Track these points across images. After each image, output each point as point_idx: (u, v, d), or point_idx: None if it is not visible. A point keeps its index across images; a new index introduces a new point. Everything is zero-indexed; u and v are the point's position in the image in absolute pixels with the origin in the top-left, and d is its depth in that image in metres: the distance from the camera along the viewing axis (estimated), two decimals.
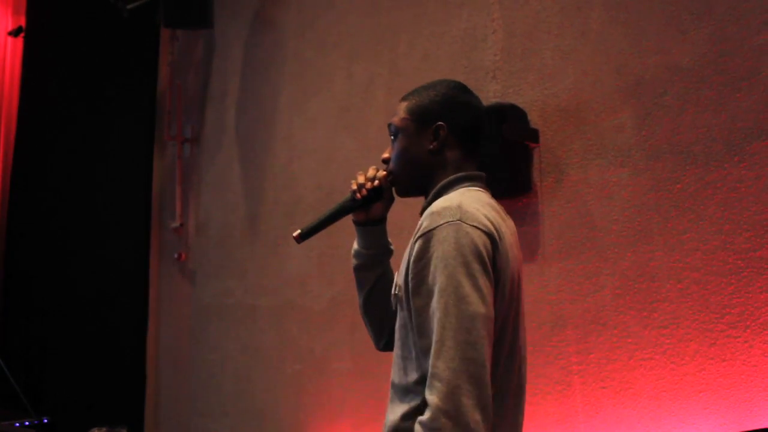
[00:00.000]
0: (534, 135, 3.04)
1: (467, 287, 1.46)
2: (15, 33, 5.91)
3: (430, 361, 1.45)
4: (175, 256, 5.21)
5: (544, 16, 3.10)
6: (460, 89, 1.75)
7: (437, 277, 1.48)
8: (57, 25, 5.55)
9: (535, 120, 3.07)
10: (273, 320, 4.39)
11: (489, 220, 1.55)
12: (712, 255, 2.53)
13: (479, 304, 1.46)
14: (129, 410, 5.22)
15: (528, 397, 2.93)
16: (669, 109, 2.68)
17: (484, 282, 1.48)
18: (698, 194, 2.58)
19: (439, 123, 1.68)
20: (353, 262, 1.91)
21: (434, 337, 1.46)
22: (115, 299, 5.35)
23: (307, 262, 4.12)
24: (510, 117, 3.00)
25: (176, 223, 5.21)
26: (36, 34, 5.63)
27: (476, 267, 1.48)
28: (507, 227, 1.64)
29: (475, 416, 1.40)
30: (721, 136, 2.54)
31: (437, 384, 1.42)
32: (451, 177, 1.68)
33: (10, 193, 5.73)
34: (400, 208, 1.90)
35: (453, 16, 3.48)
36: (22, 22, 5.86)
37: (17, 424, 4.72)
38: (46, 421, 4.77)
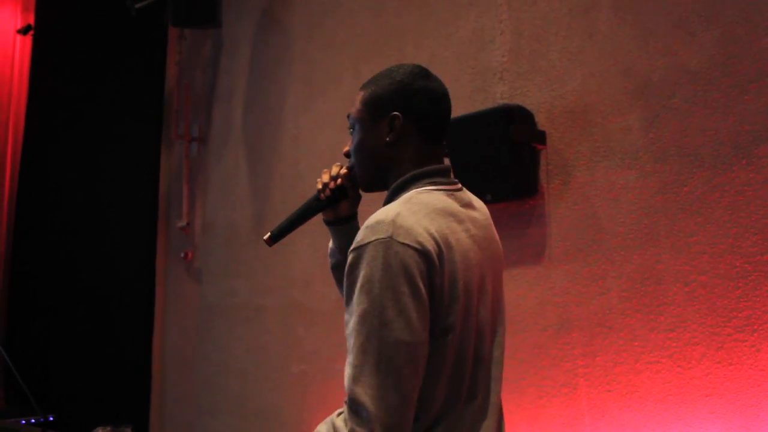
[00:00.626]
0: (541, 137, 3.03)
1: (392, 312, 1.36)
2: (24, 31, 5.93)
3: (348, 385, 1.37)
4: (182, 255, 5.22)
5: (552, 18, 3.09)
6: (419, 75, 1.61)
7: (362, 299, 1.38)
8: (66, 23, 5.56)
9: (542, 122, 3.06)
10: (278, 320, 4.39)
11: (429, 233, 1.43)
12: (719, 258, 2.51)
13: (403, 331, 1.36)
14: (134, 409, 5.24)
15: (533, 400, 2.93)
16: (677, 112, 2.67)
17: (412, 306, 1.38)
18: (706, 197, 2.57)
19: (394, 113, 1.57)
20: (330, 261, 1.87)
21: (353, 360, 1.38)
22: (121, 298, 5.37)
23: (313, 263, 4.11)
24: (517, 118, 2.99)
25: (183, 222, 5.23)
26: (45, 33, 5.65)
27: (404, 290, 1.37)
28: (465, 229, 1.54)
29: None
30: (729, 139, 2.53)
31: (354, 409, 1.36)
32: (407, 176, 1.57)
33: (18, 190, 5.74)
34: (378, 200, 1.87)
35: (460, 17, 3.47)
36: (31, 20, 5.88)
37: (23, 422, 4.73)
38: (51, 418, 4.79)
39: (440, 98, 1.62)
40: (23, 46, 6.03)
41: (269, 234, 1.76)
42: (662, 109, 2.71)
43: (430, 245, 1.42)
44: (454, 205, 1.55)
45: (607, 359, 2.76)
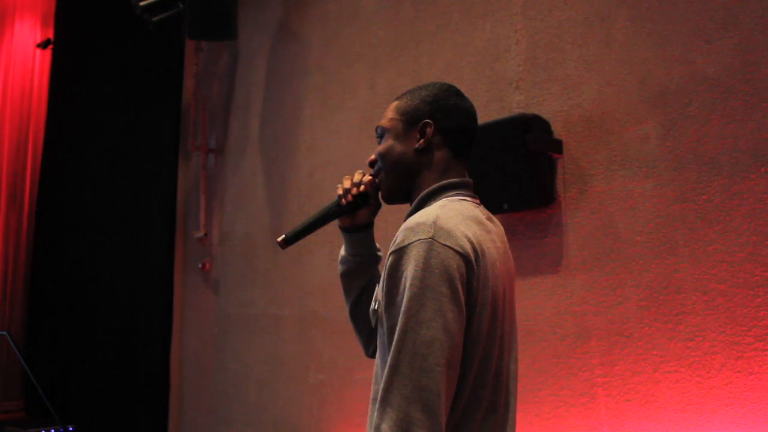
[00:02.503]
0: (558, 146, 3.03)
1: (430, 311, 1.38)
2: (43, 45, 6.00)
3: (383, 385, 1.38)
4: (199, 265, 5.25)
5: (568, 27, 3.09)
6: (453, 92, 1.68)
7: (402, 299, 1.41)
8: (84, 37, 5.63)
9: (558, 131, 3.06)
10: (296, 330, 4.40)
11: (467, 238, 1.46)
12: (738, 267, 2.49)
13: (439, 330, 1.37)
14: (153, 418, 5.25)
15: (552, 409, 2.92)
16: (694, 120, 2.66)
17: (449, 307, 1.39)
18: (724, 205, 2.55)
19: (426, 120, 1.62)
20: (339, 268, 1.87)
21: (389, 360, 1.38)
22: (139, 308, 5.40)
23: (331, 273, 4.12)
24: (534, 128, 2.99)
25: (200, 233, 5.25)
26: (64, 47, 5.72)
27: (443, 290, 1.39)
28: (492, 240, 1.56)
29: None
30: (747, 147, 2.51)
31: (389, 411, 1.35)
32: (435, 186, 1.61)
33: (37, 201, 5.80)
34: (396, 211, 1.88)
35: (476, 27, 3.48)
36: (51, 34, 5.95)
37: (43, 431, 4.76)
38: (72, 429, 4.81)
39: (471, 116, 1.69)
40: (42, 60, 6.11)
41: (283, 236, 1.76)
42: (680, 117, 2.70)
43: (469, 249, 1.45)
44: (480, 215, 1.58)
45: (626, 369, 2.75)
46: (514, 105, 3.24)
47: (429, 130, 1.62)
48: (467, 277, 1.43)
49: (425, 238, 1.42)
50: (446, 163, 1.63)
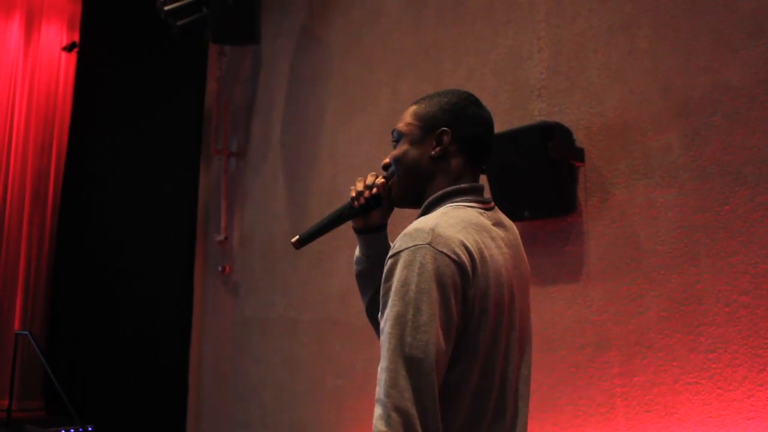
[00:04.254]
0: (579, 154, 3.02)
1: (425, 316, 1.39)
2: (69, 48, 6.06)
3: (383, 389, 1.38)
4: (219, 268, 5.27)
5: (591, 35, 3.08)
6: (472, 101, 1.67)
7: (396, 302, 1.41)
8: (109, 41, 5.68)
9: (580, 139, 3.04)
10: (314, 335, 4.40)
11: (465, 245, 1.46)
12: (761, 278, 2.47)
13: (434, 334, 1.38)
14: (171, 420, 5.28)
15: (570, 419, 2.90)
16: (718, 129, 2.64)
17: (440, 314, 1.40)
18: (748, 216, 2.53)
19: (444, 128, 1.62)
20: (354, 268, 1.89)
21: (387, 364, 1.39)
22: (159, 311, 5.43)
23: (350, 278, 4.11)
24: (555, 135, 2.98)
25: (221, 236, 5.28)
26: (89, 50, 5.77)
27: (436, 296, 1.40)
28: (498, 246, 1.56)
29: None
30: None
31: (393, 415, 1.35)
32: (441, 192, 1.61)
33: (60, 204, 5.85)
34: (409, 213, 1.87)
35: (499, 34, 3.47)
36: (76, 37, 6.01)
37: (62, 431, 4.80)
38: (90, 429, 4.85)
39: (488, 126, 1.68)
40: (68, 63, 6.17)
41: (297, 237, 1.77)
42: (703, 127, 2.68)
43: (465, 257, 1.45)
44: (485, 222, 1.57)
45: (646, 379, 2.73)
46: (536, 113, 3.23)
47: (446, 138, 1.62)
48: (462, 285, 1.44)
49: (421, 244, 1.44)
50: (460, 171, 1.64)
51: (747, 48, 2.59)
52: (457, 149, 1.63)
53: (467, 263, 1.45)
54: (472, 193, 1.62)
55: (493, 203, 1.66)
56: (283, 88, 4.96)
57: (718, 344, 2.55)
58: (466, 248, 1.46)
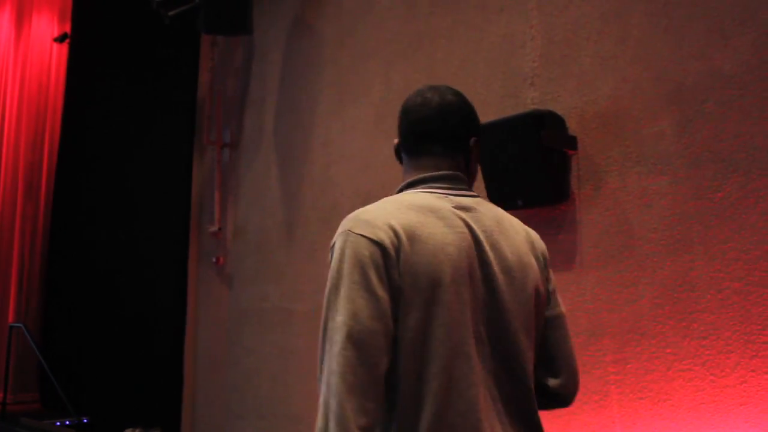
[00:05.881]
0: (572, 142, 3.02)
1: (342, 299, 1.41)
2: (61, 39, 6.04)
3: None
4: (213, 260, 5.27)
5: (584, 23, 3.07)
6: (416, 94, 1.70)
7: (327, 290, 1.45)
8: (101, 31, 5.66)
9: (573, 127, 3.05)
10: (308, 325, 4.41)
11: (390, 226, 1.46)
12: (753, 265, 2.48)
13: (348, 316, 1.39)
14: (166, 411, 5.29)
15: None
16: (710, 117, 2.64)
17: (360, 294, 1.40)
18: (740, 203, 2.53)
19: (395, 141, 1.73)
20: None
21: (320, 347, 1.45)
22: (153, 302, 5.43)
23: None
24: (548, 124, 2.98)
25: (215, 228, 5.27)
26: (81, 41, 5.75)
27: (355, 278, 1.42)
28: (448, 225, 1.52)
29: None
30: (764, 144, 2.49)
31: (320, 399, 1.40)
32: (400, 185, 1.67)
33: (53, 195, 5.84)
34: None
35: (491, 23, 3.47)
36: (68, 28, 5.99)
37: (58, 423, 4.80)
38: (85, 420, 4.85)
39: (413, 108, 1.68)
40: (60, 54, 6.15)
41: None
42: (696, 114, 2.68)
43: (387, 237, 1.45)
44: (439, 203, 1.55)
45: (639, 366, 2.74)
46: (529, 101, 3.23)
47: (395, 142, 1.73)
48: (384, 264, 1.44)
49: (342, 231, 1.49)
50: (407, 166, 1.69)
51: (739, 35, 2.59)
52: (403, 151, 1.70)
53: (389, 242, 1.45)
54: (435, 181, 1.61)
55: (465, 191, 1.63)
56: (275, 78, 4.95)
57: (710, 331, 2.56)
58: (393, 229, 1.46)
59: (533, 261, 1.63)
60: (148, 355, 5.32)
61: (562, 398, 1.70)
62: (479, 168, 1.85)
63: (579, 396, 2.88)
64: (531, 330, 1.59)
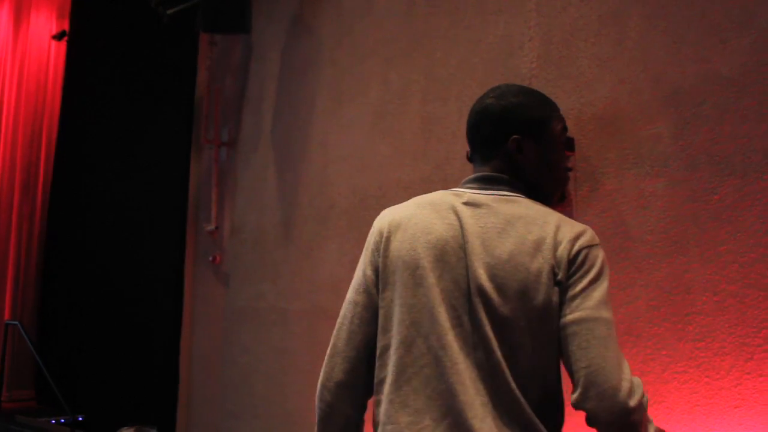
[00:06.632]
0: (570, 144, 3.02)
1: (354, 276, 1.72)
2: (59, 37, 6.03)
3: None
4: (210, 258, 5.26)
5: (582, 24, 3.08)
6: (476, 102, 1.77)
7: None
8: (99, 29, 5.65)
9: (570, 128, 3.02)
10: (305, 324, 4.41)
11: (391, 218, 1.68)
12: (749, 268, 2.48)
13: (350, 289, 1.70)
14: (161, 410, 5.28)
15: None
16: (708, 119, 2.64)
17: (357, 271, 1.70)
18: (736, 205, 2.53)
19: None
20: None
21: None
22: (150, 300, 5.43)
23: (340, 268, 4.13)
24: None
25: (211, 226, 5.27)
26: (79, 39, 5.75)
27: (361, 258, 1.72)
28: (444, 218, 1.60)
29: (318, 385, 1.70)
30: (761, 147, 2.49)
31: None
32: None
33: (50, 193, 5.83)
34: None
35: (490, 23, 3.47)
36: (66, 26, 5.99)
37: (53, 421, 4.80)
38: (80, 419, 4.84)
39: (470, 116, 1.75)
40: (58, 52, 6.14)
41: None
42: (693, 117, 2.68)
43: (384, 227, 1.68)
44: (444, 199, 1.66)
45: (634, 368, 2.72)
46: None
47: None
48: (375, 248, 1.67)
49: None
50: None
51: (737, 38, 2.59)
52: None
53: (384, 231, 1.67)
54: (467, 183, 1.69)
55: (500, 188, 1.65)
56: (274, 77, 4.94)
57: (706, 333, 2.56)
58: (389, 220, 1.68)
59: (532, 265, 1.53)
60: (143, 354, 5.31)
61: (590, 416, 1.47)
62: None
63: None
64: (515, 329, 1.52)
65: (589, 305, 1.52)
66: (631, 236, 2.81)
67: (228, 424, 4.95)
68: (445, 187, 1.74)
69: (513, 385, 1.49)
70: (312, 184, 4.48)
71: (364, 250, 1.70)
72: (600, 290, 1.55)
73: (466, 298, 1.55)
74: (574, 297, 1.53)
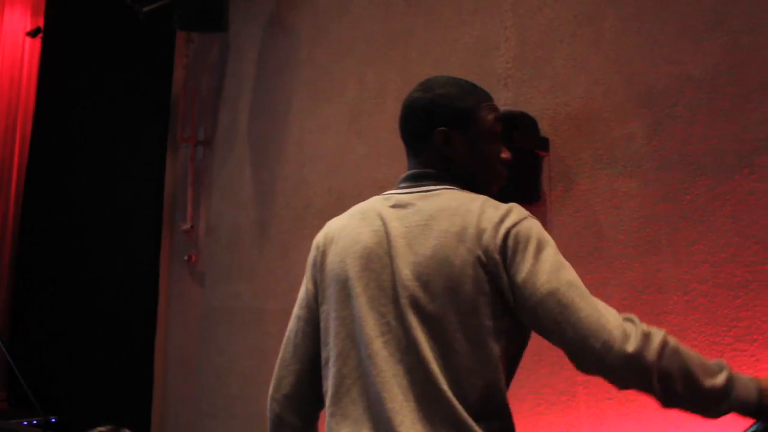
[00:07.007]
0: (544, 143, 3.03)
1: None
2: (33, 34, 5.96)
3: None
4: (186, 257, 5.23)
5: (557, 25, 3.09)
6: None
7: None
8: (74, 26, 5.59)
9: (545, 128, 3.06)
10: (281, 324, 4.36)
11: (326, 232, 1.71)
12: (720, 267, 2.50)
13: (296, 303, 1.74)
14: (136, 410, 5.24)
15: (532, 407, 2.92)
16: (680, 120, 2.66)
17: (303, 283, 1.73)
18: (707, 206, 2.56)
19: None
20: None
21: None
22: (125, 300, 5.38)
23: None
24: (520, 125, 2.99)
25: (187, 225, 5.24)
26: (54, 35, 5.69)
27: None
28: (370, 224, 1.59)
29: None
30: (732, 148, 2.52)
31: None
32: None
33: (24, 191, 5.77)
34: None
35: (466, 23, 3.48)
36: (41, 23, 5.92)
37: (25, 423, 4.74)
38: (53, 420, 4.79)
39: (400, 112, 1.73)
40: (32, 49, 6.07)
41: None
42: (666, 117, 2.70)
43: (320, 242, 1.70)
44: (373, 206, 1.65)
45: None
46: (502, 102, 3.23)
47: None
48: (314, 263, 1.70)
49: None
50: None
51: (709, 40, 2.62)
52: None
53: (320, 245, 1.70)
54: (401, 182, 1.68)
55: (427, 183, 1.61)
56: (250, 76, 4.92)
57: (677, 332, 2.58)
58: (325, 234, 1.71)
59: (456, 257, 1.47)
60: (118, 354, 5.27)
61: (605, 379, 1.46)
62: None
63: (547, 396, 2.90)
64: (446, 327, 1.47)
65: (542, 281, 1.44)
66: (604, 236, 2.83)
67: (203, 424, 4.92)
68: None
69: (445, 387, 1.44)
70: (288, 184, 4.46)
71: (307, 264, 1.73)
72: (546, 260, 1.47)
73: (394, 302, 1.51)
74: (525, 282, 1.45)
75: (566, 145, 2.99)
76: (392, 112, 3.81)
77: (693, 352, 1.44)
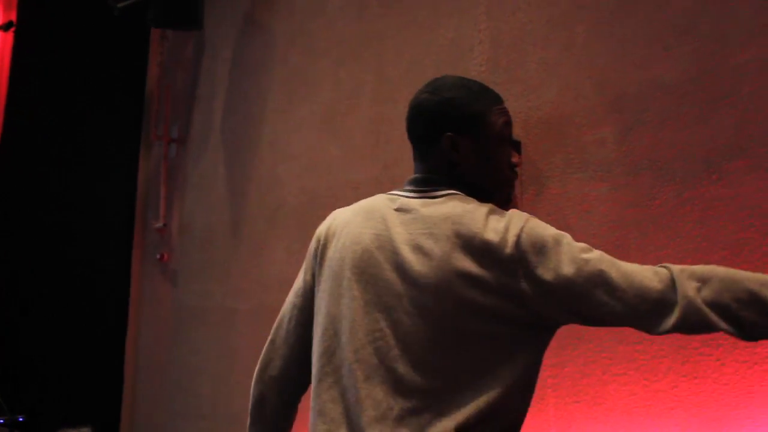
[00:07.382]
0: (516, 147, 3.04)
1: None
2: (5, 27, 5.88)
3: None
4: (158, 256, 5.19)
5: (530, 29, 3.11)
6: None
7: None
8: (48, 21, 5.53)
9: (517, 132, 3.06)
10: (252, 324, 4.37)
11: (328, 225, 1.68)
12: None
13: (292, 289, 1.75)
14: (105, 410, 5.20)
15: None
16: (650, 125, 2.69)
17: (302, 271, 1.72)
18: (676, 211, 2.58)
19: None
20: None
21: None
22: (95, 298, 5.33)
23: (288, 267, 4.10)
24: None
25: (159, 224, 5.20)
26: (26, 30, 5.61)
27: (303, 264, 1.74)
28: (371, 226, 1.56)
29: None
30: (700, 154, 2.55)
31: None
32: None
33: None
34: None
35: (441, 25, 3.48)
36: (13, 17, 5.84)
37: None
38: (21, 419, 4.73)
39: (407, 112, 1.69)
40: (4, 43, 5.99)
41: None
42: (636, 123, 2.72)
43: (323, 234, 1.68)
44: (379, 205, 1.61)
45: (575, 370, 2.77)
46: None
47: None
48: (314, 255, 1.68)
49: None
50: None
51: (679, 46, 2.64)
52: None
53: (321, 238, 1.67)
54: (406, 185, 1.63)
55: (432, 189, 1.58)
56: (225, 74, 4.90)
57: (644, 337, 2.56)
58: (328, 227, 1.68)
59: (459, 265, 1.44)
60: (87, 353, 5.22)
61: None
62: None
63: None
64: (444, 338, 1.46)
65: (569, 275, 1.44)
66: (574, 239, 2.84)
67: (174, 425, 4.89)
68: (394, 188, 1.69)
69: (433, 401, 1.41)
70: (261, 183, 4.44)
71: (307, 253, 1.72)
72: (564, 252, 1.47)
73: (390, 309, 1.49)
74: (557, 279, 1.44)
75: (538, 149, 3.00)
76: (367, 112, 3.82)
77: (740, 272, 1.42)
